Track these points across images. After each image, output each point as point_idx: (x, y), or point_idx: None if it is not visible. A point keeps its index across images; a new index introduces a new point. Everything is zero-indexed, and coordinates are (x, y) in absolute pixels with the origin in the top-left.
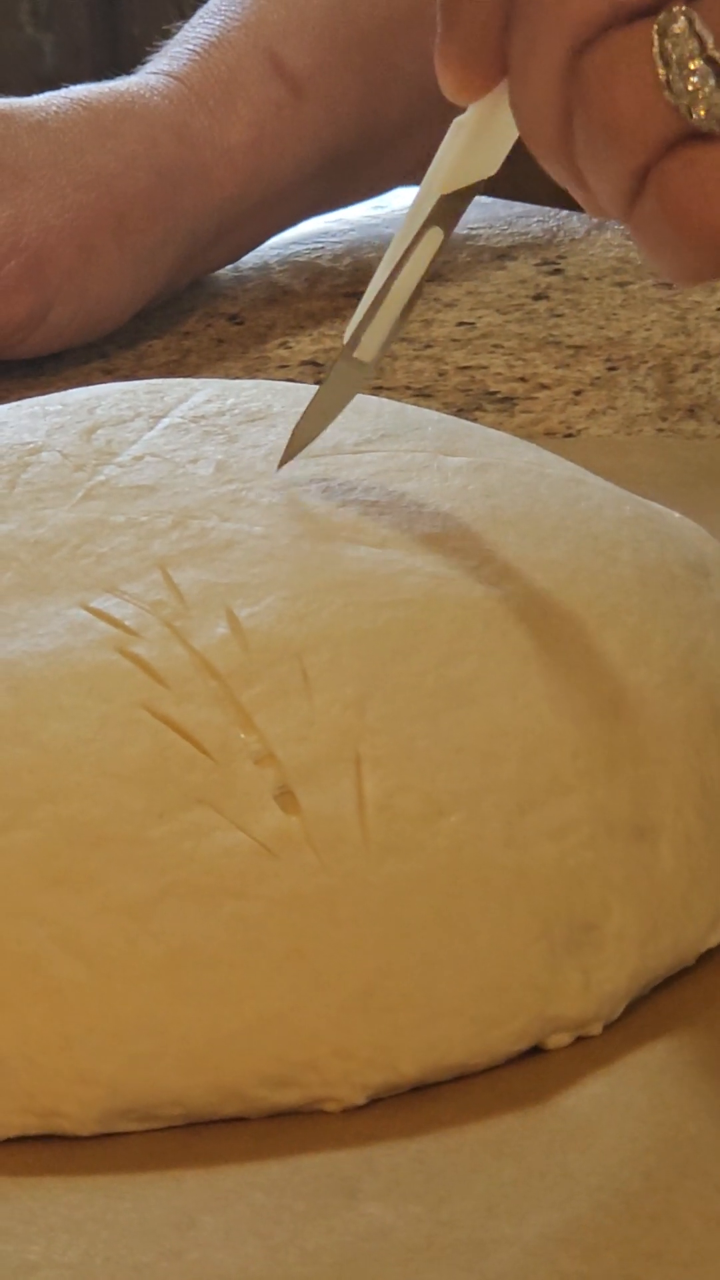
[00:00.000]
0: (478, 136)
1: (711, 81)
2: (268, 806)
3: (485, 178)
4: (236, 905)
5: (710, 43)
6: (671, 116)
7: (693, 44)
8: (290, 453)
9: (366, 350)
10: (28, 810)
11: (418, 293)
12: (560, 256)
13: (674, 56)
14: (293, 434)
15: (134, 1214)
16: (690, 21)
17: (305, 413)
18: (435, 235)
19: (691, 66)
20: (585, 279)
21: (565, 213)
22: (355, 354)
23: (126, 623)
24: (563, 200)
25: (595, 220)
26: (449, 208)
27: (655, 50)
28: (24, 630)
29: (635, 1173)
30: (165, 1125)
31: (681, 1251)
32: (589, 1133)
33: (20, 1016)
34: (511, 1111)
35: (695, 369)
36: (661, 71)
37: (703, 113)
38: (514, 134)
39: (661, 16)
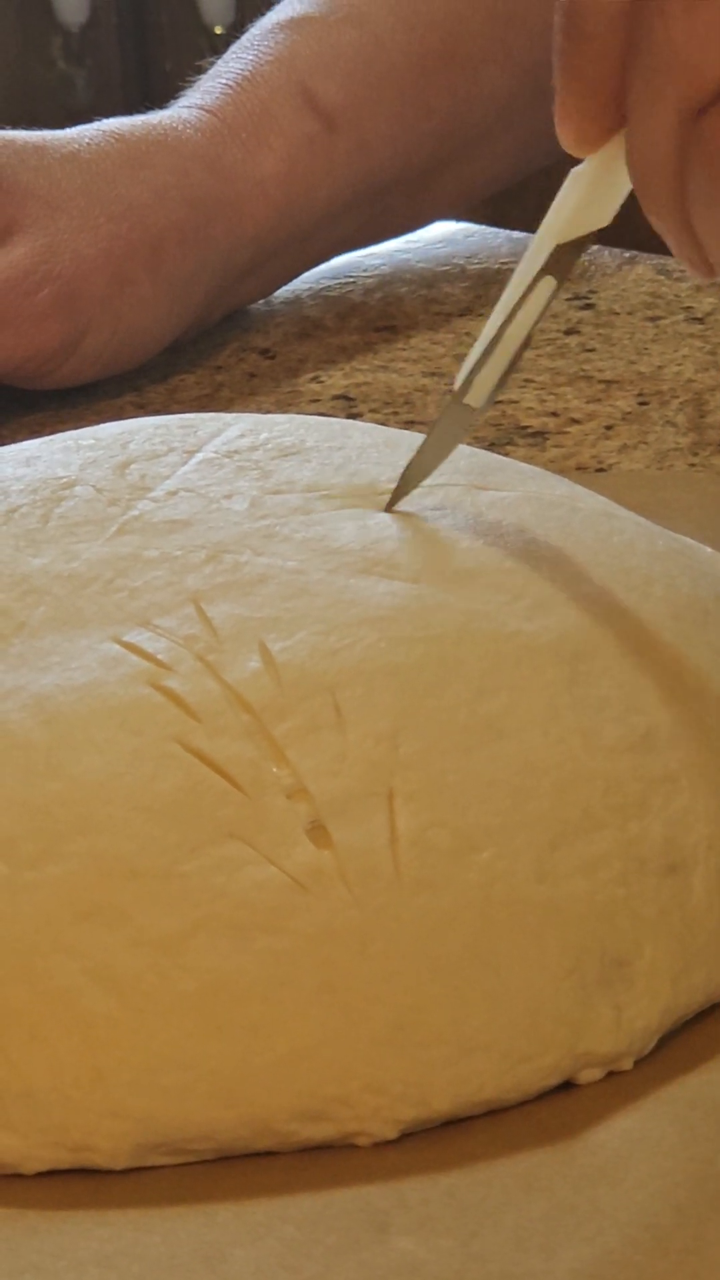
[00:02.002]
0: (594, 187)
1: None
2: (299, 841)
3: (598, 228)
4: (268, 940)
5: None
6: None
7: None
8: (399, 494)
9: (477, 397)
10: (60, 844)
11: (527, 340)
12: (592, 291)
13: None
14: (403, 476)
15: (164, 1248)
16: None
17: (416, 455)
18: (548, 284)
19: None
20: (617, 314)
21: (596, 248)
22: (466, 399)
23: (159, 656)
24: (594, 235)
25: (627, 254)
26: (563, 257)
27: None
28: (57, 664)
29: (666, 1207)
30: (196, 1159)
31: None
32: (620, 1167)
33: (52, 1050)
34: (542, 1146)
35: None
36: None
37: None
38: (628, 186)
39: None
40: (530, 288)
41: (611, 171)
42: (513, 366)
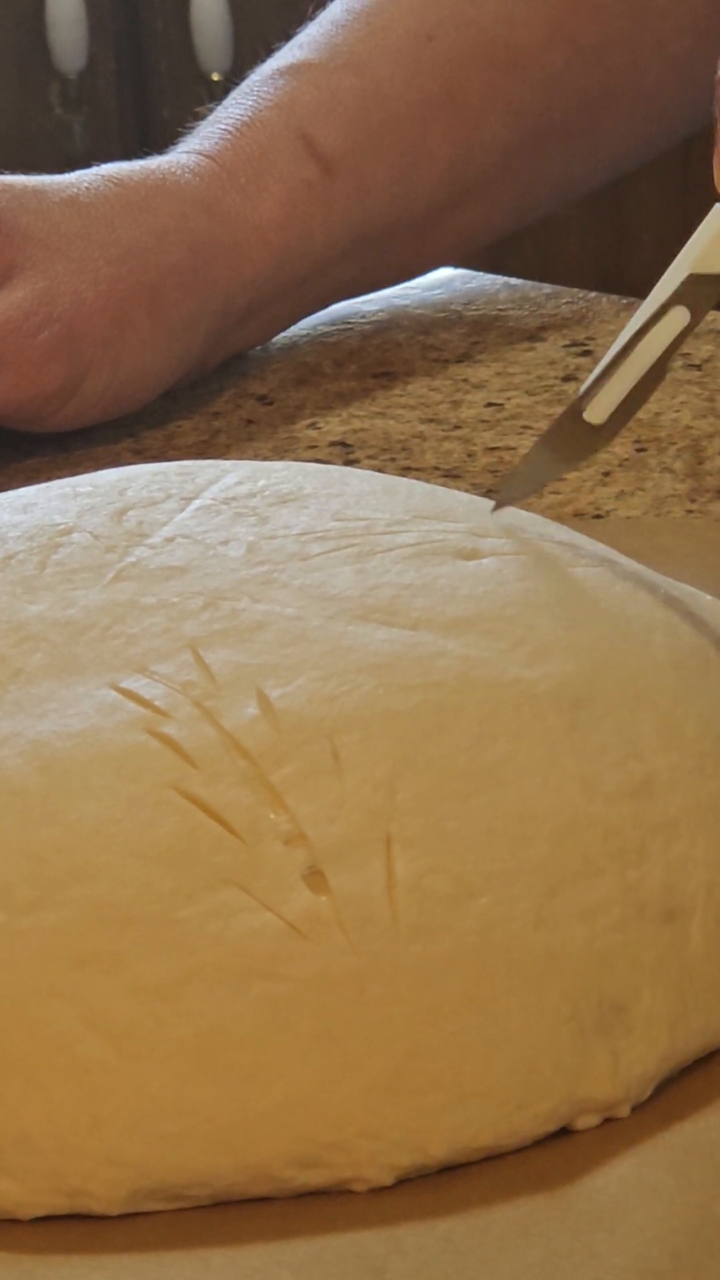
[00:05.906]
0: None
1: None
2: (296, 887)
3: None
4: (265, 986)
5: None
6: None
7: None
8: (502, 502)
9: (595, 413)
10: (56, 891)
11: (660, 369)
12: (589, 338)
13: None
14: (506, 483)
15: None
16: None
17: (521, 465)
18: (680, 314)
19: None
20: None
21: (594, 294)
22: (586, 414)
23: (156, 703)
24: (592, 282)
25: (624, 301)
26: (699, 290)
27: None
28: (53, 711)
29: (663, 1253)
30: (192, 1205)
31: None
32: (616, 1213)
33: (49, 1096)
34: (539, 1192)
35: None
36: None
37: None
38: None
39: None
40: (661, 313)
41: None
42: (643, 395)
